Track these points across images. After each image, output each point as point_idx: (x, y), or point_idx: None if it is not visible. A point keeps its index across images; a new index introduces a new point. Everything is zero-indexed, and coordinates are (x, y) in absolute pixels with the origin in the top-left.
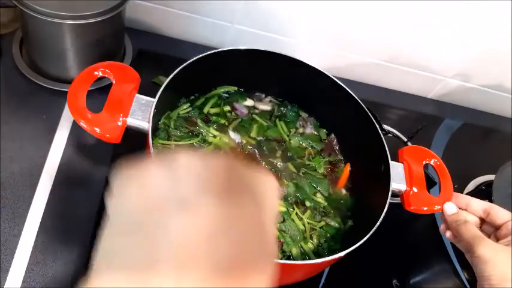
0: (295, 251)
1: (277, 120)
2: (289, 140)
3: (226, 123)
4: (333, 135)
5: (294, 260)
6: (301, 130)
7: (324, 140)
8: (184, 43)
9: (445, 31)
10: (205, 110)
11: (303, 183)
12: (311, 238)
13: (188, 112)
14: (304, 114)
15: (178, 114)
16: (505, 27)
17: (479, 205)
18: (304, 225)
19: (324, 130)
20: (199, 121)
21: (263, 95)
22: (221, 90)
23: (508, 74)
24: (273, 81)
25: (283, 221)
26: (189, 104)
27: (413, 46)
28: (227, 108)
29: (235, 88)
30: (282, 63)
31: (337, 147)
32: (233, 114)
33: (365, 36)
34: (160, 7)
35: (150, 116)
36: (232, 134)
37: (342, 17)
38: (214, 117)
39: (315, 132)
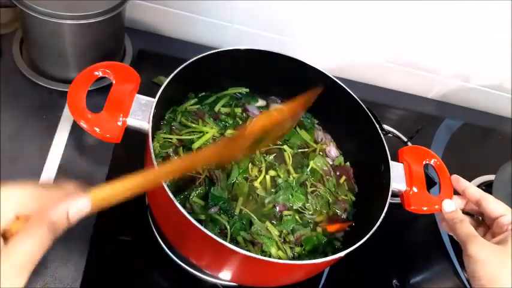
0: (274, 250)
1: (297, 128)
2: (314, 153)
3: (240, 122)
4: (348, 164)
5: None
6: (324, 146)
7: (339, 166)
8: (184, 43)
9: (445, 31)
10: (216, 109)
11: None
12: (301, 245)
13: (197, 108)
14: (319, 127)
15: (186, 109)
16: (505, 27)
17: (477, 192)
18: (281, 231)
19: (342, 158)
20: (206, 117)
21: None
22: (232, 91)
23: (508, 74)
24: (272, 81)
25: (251, 225)
26: (196, 100)
27: (413, 46)
28: (238, 110)
29: (247, 90)
30: (282, 63)
31: (353, 180)
32: (244, 115)
33: (365, 36)
34: (160, 7)
35: (150, 116)
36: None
37: (342, 17)
38: (223, 116)
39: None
